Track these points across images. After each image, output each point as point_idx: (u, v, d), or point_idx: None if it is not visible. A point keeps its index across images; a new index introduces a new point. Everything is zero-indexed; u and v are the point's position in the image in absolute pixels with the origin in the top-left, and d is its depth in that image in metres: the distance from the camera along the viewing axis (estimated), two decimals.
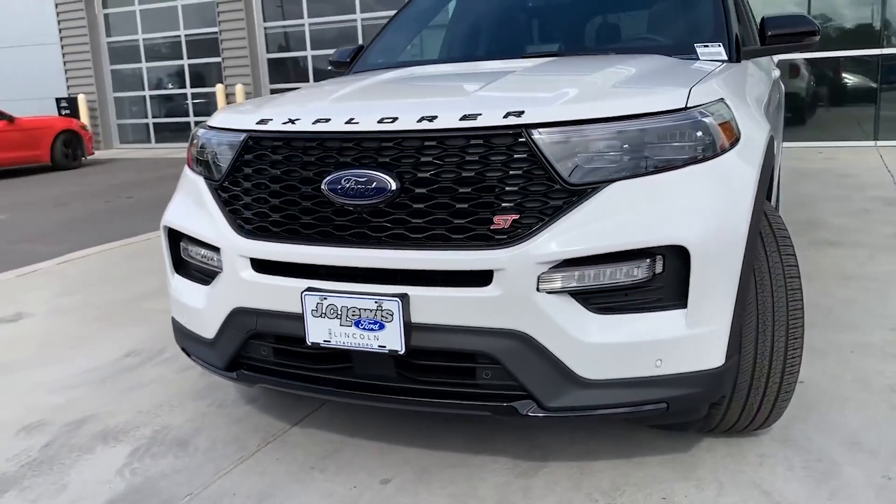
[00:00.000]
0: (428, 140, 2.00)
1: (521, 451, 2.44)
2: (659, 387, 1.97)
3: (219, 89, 14.70)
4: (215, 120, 2.46)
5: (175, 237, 2.51)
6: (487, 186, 1.95)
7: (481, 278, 1.93)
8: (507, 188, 1.94)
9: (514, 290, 1.91)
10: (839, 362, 3.01)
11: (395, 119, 2.05)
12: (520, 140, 1.95)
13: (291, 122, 2.19)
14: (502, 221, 1.93)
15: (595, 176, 1.94)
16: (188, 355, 2.55)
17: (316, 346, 2.09)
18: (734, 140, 2.10)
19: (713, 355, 1.98)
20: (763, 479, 2.21)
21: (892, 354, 3.05)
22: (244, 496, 2.27)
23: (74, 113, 16.06)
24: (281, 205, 2.16)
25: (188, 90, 16.27)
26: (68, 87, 17.02)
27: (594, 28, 3.41)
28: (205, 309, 2.35)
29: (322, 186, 2.06)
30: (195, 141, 2.49)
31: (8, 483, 2.42)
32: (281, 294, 2.13)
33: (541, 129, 1.94)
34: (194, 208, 2.39)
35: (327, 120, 2.14)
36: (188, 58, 16.12)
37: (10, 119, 12.80)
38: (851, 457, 2.30)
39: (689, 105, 2.03)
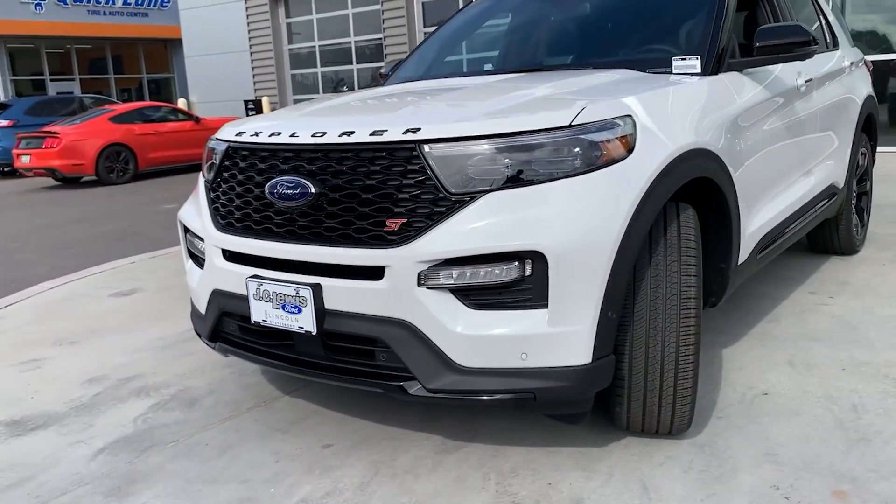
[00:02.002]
0: (344, 152, 2.33)
1: (456, 431, 2.70)
2: (525, 378, 2.17)
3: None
4: (219, 132, 2.93)
5: (186, 229, 3.01)
6: (386, 193, 2.25)
7: (375, 273, 2.24)
8: (400, 195, 2.22)
9: (400, 285, 2.20)
10: (823, 378, 2.97)
11: (324, 133, 2.39)
12: (413, 153, 2.22)
13: (256, 134, 2.60)
14: (393, 224, 2.22)
15: (474, 186, 2.17)
16: (195, 330, 3.03)
17: (258, 324, 2.49)
18: (623, 155, 2.23)
19: (577, 353, 2.15)
20: (653, 477, 2.33)
21: (884, 375, 2.96)
22: (213, 447, 2.72)
23: (259, 114, 17.74)
24: (241, 204, 2.57)
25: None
26: (255, 91, 18.77)
27: (581, 42, 3.54)
28: (199, 289, 2.82)
29: (265, 190, 2.45)
30: (206, 149, 2.98)
31: (55, 418, 3.05)
32: (238, 279, 2.54)
33: (431, 144, 2.21)
34: (196, 206, 2.87)
35: (279, 133, 2.52)
36: (357, 63, 17.24)
37: (197, 120, 14.48)
38: (756, 467, 2.35)
39: (574, 123, 2.20)
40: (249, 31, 18.75)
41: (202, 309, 2.81)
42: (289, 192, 2.37)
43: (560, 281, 2.10)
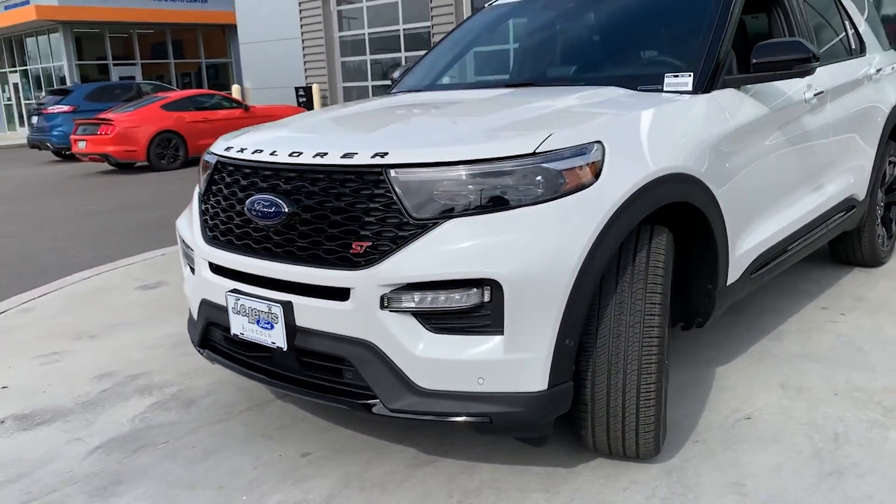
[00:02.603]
0: (317, 173, 2.38)
1: (431, 445, 2.74)
2: (482, 402, 2.20)
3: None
4: (213, 146, 3.01)
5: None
6: (354, 215, 2.29)
7: (342, 294, 2.29)
8: (366, 218, 2.27)
9: (364, 307, 2.25)
10: (812, 403, 2.91)
11: (300, 154, 2.45)
12: (380, 177, 2.26)
13: (241, 150, 2.68)
14: (359, 247, 2.26)
15: (436, 212, 2.20)
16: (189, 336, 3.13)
17: (236, 336, 2.57)
18: (588, 182, 2.23)
19: (533, 380, 2.17)
20: (614, 501, 2.33)
21: (877, 402, 2.89)
22: (199, 450, 2.83)
23: (309, 101, 17.98)
24: (225, 219, 2.65)
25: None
26: (306, 78, 19.01)
27: (579, 57, 3.50)
28: (191, 297, 2.92)
29: (245, 206, 2.52)
30: (202, 160, 3.07)
31: (61, 414, 3.20)
32: (221, 292, 2.63)
33: (396, 169, 2.24)
34: (189, 216, 2.97)
35: (261, 151, 2.59)
36: (405, 50, 17.29)
37: (246, 108, 14.76)
38: (718, 498, 2.33)
39: (538, 151, 2.21)
40: (301, 18, 18.96)
41: (195, 315, 2.91)
42: (265, 209, 2.43)
43: (515, 309, 2.12)
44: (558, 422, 2.43)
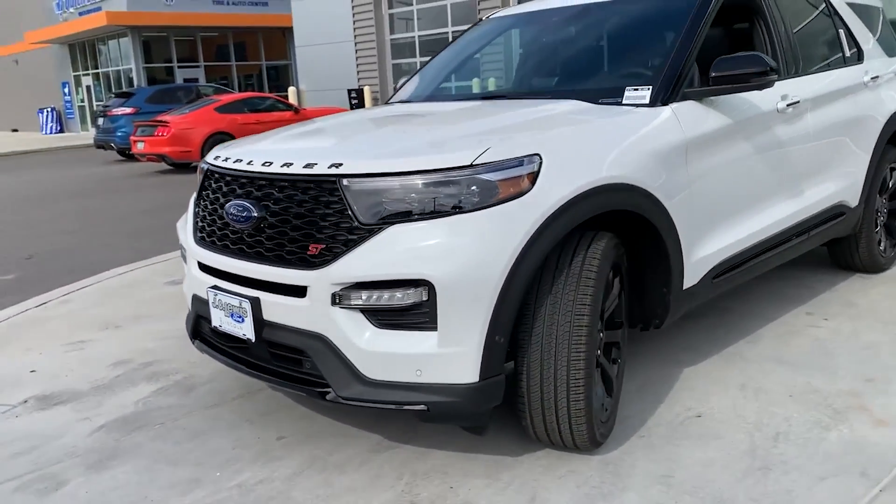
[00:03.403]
0: (283, 182, 2.63)
1: (397, 432, 2.96)
2: (421, 392, 2.41)
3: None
4: (208, 155, 3.29)
5: None
6: (312, 220, 2.53)
7: (301, 291, 2.53)
8: (322, 223, 2.50)
9: (318, 303, 2.48)
10: (765, 404, 3.03)
11: (270, 163, 2.70)
12: (334, 186, 2.49)
13: (226, 160, 2.95)
14: (315, 249, 2.50)
15: (382, 218, 2.42)
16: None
17: (216, 329, 2.85)
18: (521, 192, 2.41)
19: (465, 372, 2.37)
20: (547, 488, 2.52)
21: (828, 405, 2.98)
22: (189, 431, 3.11)
23: (361, 103, 18.38)
24: (210, 222, 2.93)
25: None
26: (358, 80, 19.43)
27: (548, 71, 3.66)
28: (186, 293, 3.21)
29: (225, 210, 2.79)
30: (198, 168, 3.35)
31: (76, 396, 3.54)
32: (205, 288, 2.90)
33: (348, 179, 2.47)
34: (186, 218, 3.26)
35: (241, 161, 2.85)
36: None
37: (296, 110, 15.22)
38: (645, 488, 2.49)
39: (474, 163, 2.40)
40: (354, 22, 19.39)
41: (189, 310, 3.20)
42: (239, 213, 2.70)
43: (447, 307, 2.33)
44: (513, 414, 2.62)
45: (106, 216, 9.69)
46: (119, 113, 16.88)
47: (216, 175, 2.96)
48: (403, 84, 4.23)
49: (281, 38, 30.27)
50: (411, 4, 18.36)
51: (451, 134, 2.79)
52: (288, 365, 2.68)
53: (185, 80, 26.97)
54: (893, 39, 5.03)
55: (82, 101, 31.16)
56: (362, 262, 2.40)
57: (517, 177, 2.44)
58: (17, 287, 6.16)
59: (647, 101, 2.99)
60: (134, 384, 3.65)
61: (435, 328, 2.36)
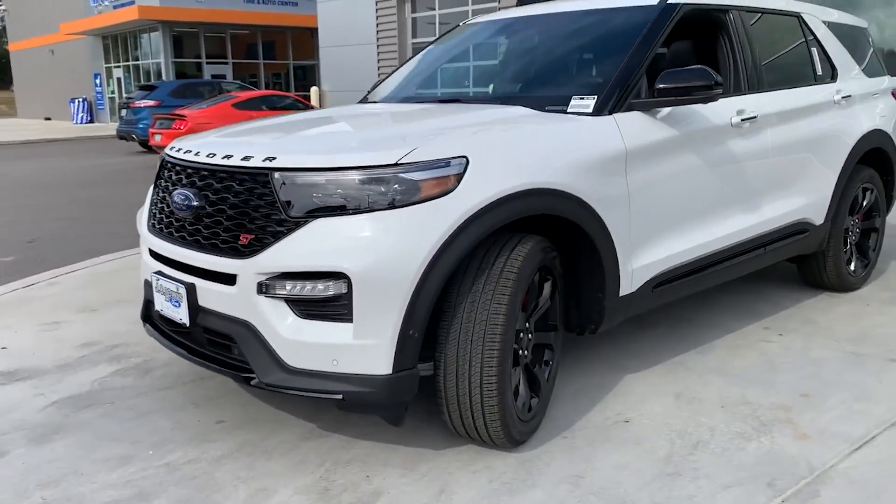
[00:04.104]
0: (222, 173, 2.73)
1: (331, 423, 3.04)
2: (337, 381, 2.49)
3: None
4: (168, 146, 3.40)
5: None
6: (244, 211, 2.62)
7: (230, 279, 2.62)
8: (253, 214, 2.60)
9: (245, 291, 2.58)
10: (695, 413, 3.07)
11: (214, 154, 2.80)
12: (266, 179, 2.59)
13: (178, 150, 3.05)
14: (245, 239, 2.60)
15: (308, 211, 2.51)
16: None
17: (158, 313, 2.95)
18: (443, 192, 2.49)
19: (379, 364, 2.44)
20: (458, 481, 2.58)
21: (755, 417, 3.01)
22: (136, 411, 3.22)
23: None
24: (159, 209, 3.04)
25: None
26: None
27: (502, 78, 3.73)
28: (142, 277, 3.32)
29: (171, 199, 2.89)
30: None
31: (38, 373, 3.66)
32: (151, 273, 3.01)
33: (279, 172, 2.57)
34: (144, 207, 3.38)
35: (189, 151, 2.95)
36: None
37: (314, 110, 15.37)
38: (553, 486, 2.55)
39: (399, 162, 2.48)
40: (378, 25, 19.57)
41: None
42: (182, 202, 2.80)
43: (362, 300, 2.41)
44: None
45: (116, 205, 9.88)
46: (142, 105, 17.19)
47: (168, 165, 3.07)
48: (375, 86, 4.32)
49: (309, 38, 30.52)
50: (434, 9, 18.50)
51: (386, 134, 2.88)
52: (220, 350, 2.78)
53: (213, 76, 27.35)
54: (877, 61, 5.03)
55: (113, 92, 31.72)
56: (287, 253, 2.49)
57: (441, 177, 2.51)
58: (13, 269, 6.33)
59: (590, 110, 3.05)
60: (95, 365, 3.77)
61: (351, 320, 2.44)
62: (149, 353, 3.89)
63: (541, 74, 3.71)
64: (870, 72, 4.84)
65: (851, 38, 4.82)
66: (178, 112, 14.39)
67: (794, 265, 4.67)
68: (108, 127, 28.20)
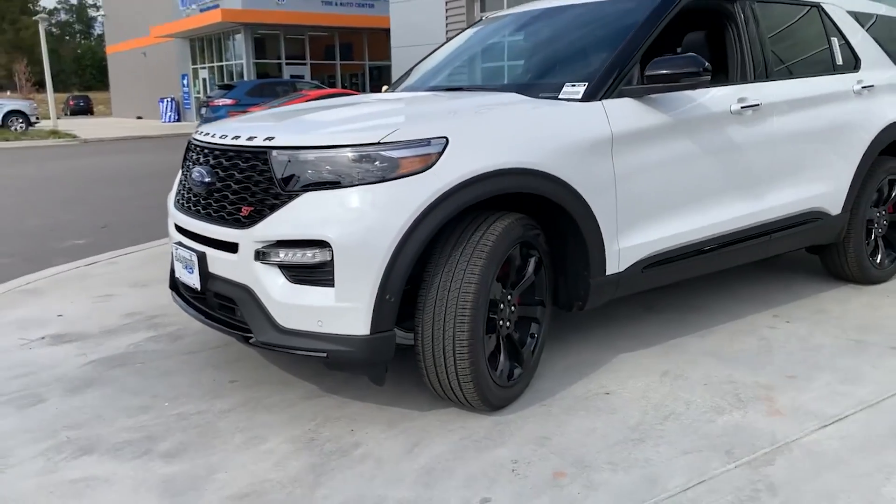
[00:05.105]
0: (230, 151, 3.01)
1: (334, 383, 3.29)
2: (321, 340, 2.72)
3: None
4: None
5: None
6: (247, 186, 2.90)
7: (234, 248, 2.90)
8: (254, 188, 2.86)
9: (245, 258, 2.85)
10: (676, 389, 3.17)
11: (225, 136, 3.09)
12: (265, 156, 2.85)
13: (199, 133, 3.36)
14: (246, 211, 2.87)
15: (300, 185, 2.76)
16: None
17: (178, 279, 3.26)
18: (421, 169, 2.69)
19: (358, 325, 2.66)
20: (432, 438, 2.78)
21: (735, 394, 3.10)
22: (161, 370, 3.55)
23: None
24: (182, 187, 3.35)
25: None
26: None
27: (507, 68, 3.88)
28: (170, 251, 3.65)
29: (190, 176, 3.20)
30: None
31: (83, 337, 4.05)
32: (173, 244, 3.33)
33: (276, 150, 2.82)
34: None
35: (207, 134, 3.25)
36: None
37: None
38: (519, 446, 2.71)
39: (381, 141, 2.70)
40: (447, 25, 19.86)
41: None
42: (198, 179, 3.09)
43: (343, 266, 2.64)
44: None
45: None
46: (220, 104, 18.00)
47: (191, 146, 3.38)
48: (402, 77, 4.55)
49: (384, 38, 31.03)
50: (503, 9, 18.65)
51: (378, 116, 3.09)
52: (226, 313, 3.06)
53: (292, 76, 28.25)
54: None
55: (198, 92, 33.10)
56: (280, 223, 2.75)
57: (421, 155, 2.72)
58: (83, 250, 6.86)
59: (580, 96, 3.19)
60: (135, 331, 4.13)
61: (333, 284, 2.67)
62: (183, 322, 4.23)
63: (541, 64, 3.87)
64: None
65: (883, 28, 4.76)
66: (251, 110, 15.00)
67: (818, 257, 4.67)
68: (193, 125, 29.43)
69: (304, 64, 30.39)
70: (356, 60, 31.75)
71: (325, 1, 29.27)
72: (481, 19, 4.68)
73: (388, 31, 29.68)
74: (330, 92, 16.70)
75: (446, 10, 19.73)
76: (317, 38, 30.69)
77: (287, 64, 29.92)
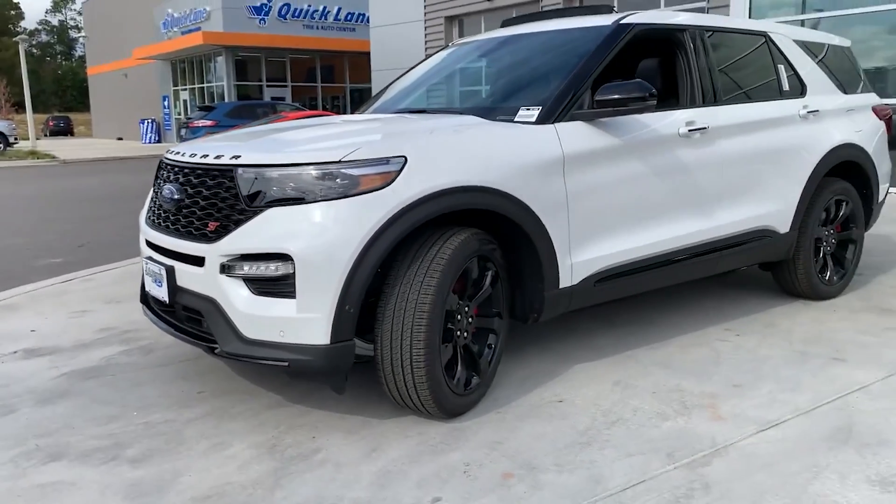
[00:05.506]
0: (199, 170, 3.15)
1: (296, 395, 3.41)
2: (283, 350, 2.85)
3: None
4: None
5: None
6: (213, 202, 3.03)
7: (200, 261, 3.03)
8: (220, 204, 3.00)
9: (210, 271, 2.98)
10: (626, 397, 3.32)
11: (195, 154, 3.23)
12: (232, 174, 2.99)
13: (170, 153, 3.49)
14: (212, 226, 3.00)
15: (264, 201, 2.90)
16: None
17: (148, 293, 3.38)
18: (380, 186, 2.84)
19: (318, 335, 2.80)
20: (389, 442, 2.91)
21: (680, 401, 3.25)
22: (131, 382, 3.65)
23: None
24: (153, 203, 3.48)
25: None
26: None
27: (468, 91, 4.07)
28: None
29: (160, 193, 3.33)
30: None
31: (57, 351, 4.15)
32: (144, 259, 3.45)
33: (242, 168, 2.97)
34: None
35: (178, 153, 3.39)
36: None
37: None
38: (473, 450, 2.85)
39: (343, 159, 2.86)
40: (426, 49, 20.17)
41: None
42: (168, 196, 3.23)
43: (304, 278, 2.78)
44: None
45: None
46: (199, 125, 18.12)
47: (163, 165, 3.52)
48: (365, 103, 4.73)
49: (365, 62, 31.25)
50: (480, 33, 18.98)
51: (343, 137, 3.25)
52: (194, 325, 3.18)
53: (273, 98, 28.43)
54: (859, 78, 5.20)
55: (179, 113, 33.20)
56: (245, 238, 2.89)
57: (381, 173, 2.87)
58: (60, 269, 6.92)
59: (533, 119, 3.37)
60: (107, 345, 4.23)
61: (295, 296, 2.81)
62: (155, 336, 4.33)
63: (500, 88, 4.06)
64: (850, 88, 5.02)
65: (832, 57, 5.01)
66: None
67: (770, 273, 4.86)
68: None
69: (286, 86, 30.62)
70: (337, 83, 32.03)
71: (307, 24, 29.60)
72: (448, 45, 4.87)
73: (368, 54, 30.10)
74: (309, 114, 16.86)
75: (425, 35, 20.10)
76: (298, 61, 30.95)
77: (268, 86, 30.13)
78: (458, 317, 3.10)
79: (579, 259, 3.43)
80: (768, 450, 2.81)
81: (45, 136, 48.17)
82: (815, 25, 10.81)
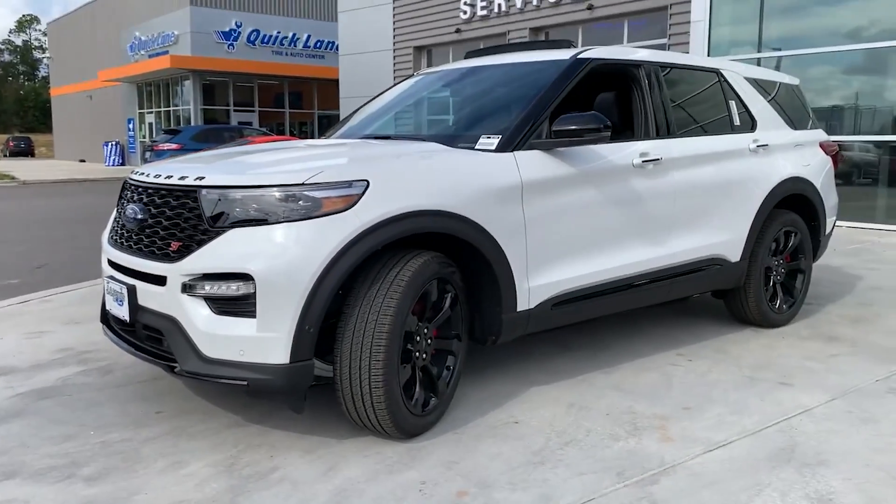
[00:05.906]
0: (161, 190, 3.19)
1: (255, 416, 3.43)
2: (242, 369, 2.89)
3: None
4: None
5: None
6: (176, 222, 3.07)
7: (162, 280, 3.06)
8: (183, 224, 3.05)
9: (171, 290, 3.01)
10: (580, 418, 3.39)
11: (159, 175, 3.27)
12: (195, 195, 3.04)
13: (135, 173, 3.53)
14: (175, 246, 3.04)
15: (226, 222, 2.95)
16: None
17: (109, 312, 3.39)
18: (341, 209, 2.91)
19: (278, 354, 2.84)
20: (347, 462, 2.95)
21: (631, 423, 3.34)
22: (88, 402, 3.64)
23: None
24: (115, 223, 3.51)
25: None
26: None
27: (431, 119, 4.19)
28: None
29: (124, 213, 3.36)
30: None
31: (13, 371, 4.11)
32: (105, 278, 3.47)
33: (204, 189, 3.02)
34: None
35: (143, 174, 3.43)
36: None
37: None
38: (428, 469, 2.90)
39: (305, 182, 2.92)
40: (395, 77, 20.39)
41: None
42: (131, 215, 3.26)
43: (264, 298, 2.82)
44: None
45: None
46: (164, 148, 18.03)
47: (127, 185, 3.55)
48: (332, 128, 4.81)
49: (334, 89, 31.50)
50: (448, 64, 19.24)
51: (306, 160, 3.32)
52: (154, 344, 3.20)
53: (240, 123, 28.39)
54: (807, 114, 5.43)
55: (144, 136, 32.96)
56: (206, 258, 2.93)
57: (342, 196, 2.95)
58: (16, 290, 6.83)
59: (493, 147, 3.48)
60: (64, 366, 4.21)
61: (255, 315, 2.85)
62: (114, 357, 4.32)
63: (463, 117, 4.18)
64: (798, 124, 5.24)
65: (783, 94, 5.23)
66: None
67: (722, 301, 5.01)
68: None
69: (253, 111, 30.61)
70: (306, 109, 32.11)
71: (276, 51, 29.72)
72: (413, 74, 4.99)
73: (337, 81, 30.26)
74: (276, 139, 16.89)
75: (394, 64, 20.32)
76: (266, 87, 31.00)
77: (235, 110, 30.10)
78: (418, 338, 3.16)
79: (537, 283, 3.52)
80: (714, 469, 2.91)
81: (5, 156, 47.41)
82: (777, 66, 11.19)
